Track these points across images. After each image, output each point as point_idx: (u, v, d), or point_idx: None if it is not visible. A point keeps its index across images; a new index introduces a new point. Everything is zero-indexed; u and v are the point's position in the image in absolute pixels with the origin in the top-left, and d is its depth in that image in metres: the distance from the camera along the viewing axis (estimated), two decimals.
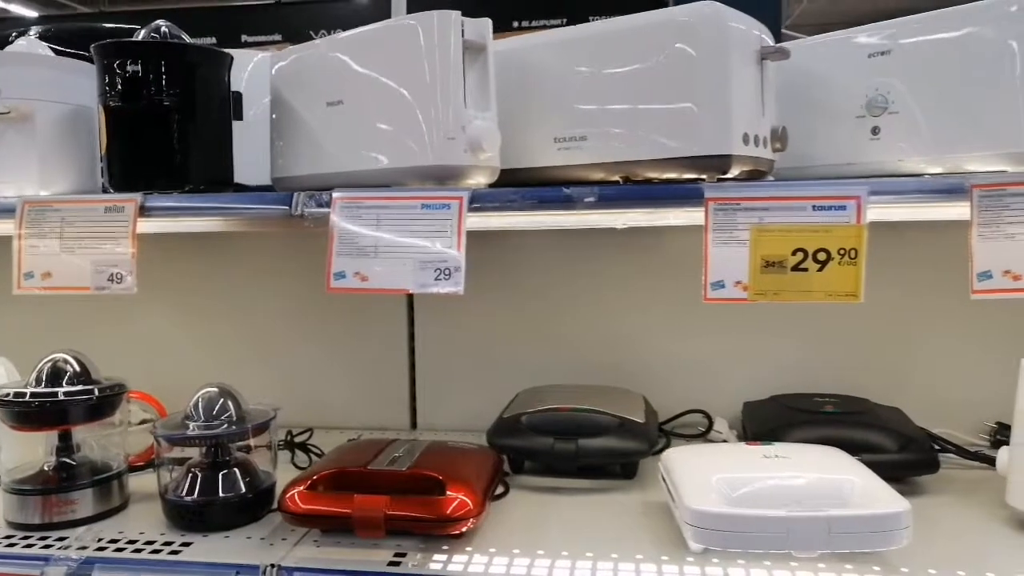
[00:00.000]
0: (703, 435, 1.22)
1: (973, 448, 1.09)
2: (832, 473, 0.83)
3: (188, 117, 0.97)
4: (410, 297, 1.34)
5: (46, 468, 0.97)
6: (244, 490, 0.94)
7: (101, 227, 0.93)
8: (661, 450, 0.97)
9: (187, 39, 1.04)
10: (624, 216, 1.01)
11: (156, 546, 0.88)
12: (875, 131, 0.90)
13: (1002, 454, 0.90)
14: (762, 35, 0.88)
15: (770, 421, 1.09)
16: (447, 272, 0.84)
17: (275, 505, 0.92)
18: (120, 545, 0.89)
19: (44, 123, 1.03)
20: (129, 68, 0.94)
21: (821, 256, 0.78)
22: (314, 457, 1.15)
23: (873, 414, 1.07)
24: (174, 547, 0.88)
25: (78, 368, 0.98)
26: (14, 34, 1.43)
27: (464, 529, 0.84)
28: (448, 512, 0.83)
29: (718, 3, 0.84)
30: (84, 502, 0.95)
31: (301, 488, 0.87)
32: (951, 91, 0.85)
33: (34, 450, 0.99)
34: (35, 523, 0.93)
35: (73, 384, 0.96)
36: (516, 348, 1.31)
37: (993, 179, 0.75)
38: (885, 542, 0.76)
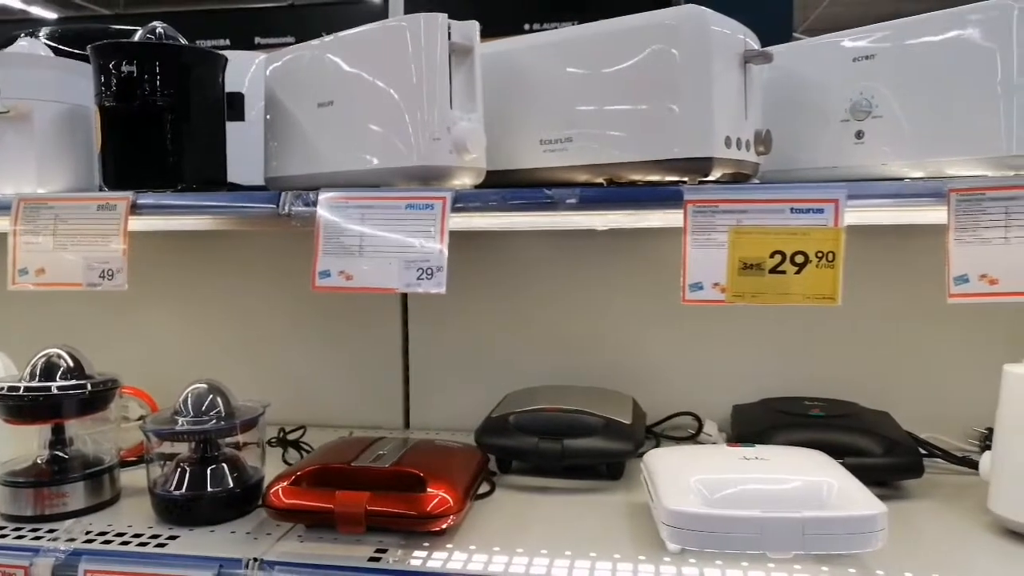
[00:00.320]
0: (693, 437, 1.23)
1: (961, 453, 1.09)
2: (810, 475, 0.83)
3: (182, 117, 0.99)
4: (404, 296, 1.35)
5: (39, 461, 0.99)
6: (231, 485, 0.95)
7: (94, 224, 0.95)
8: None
9: (183, 40, 1.05)
10: (605, 218, 1.02)
11: (143, 539, 0.89)
12: (859, 135, 0.90)
13: (984, 459, 0.90)
14: (746, 39, 0.88)
15: (757, 424, 1.10)
16: (430, 272, 0.85)
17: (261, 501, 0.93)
18: (108, 538, 0.90)
19: (42, 122, 1.05)
20: (124, 69, 0.96)
21: (799, 259, 0.78)
22: (305, 454, 1.16)
23: (860, 418, 1.08)
24: (160, 540, 0.89)
25: (71, 363, 0.99)
26: (22, 35, 1.46)
27: (444, 526, 0.85)
28: (428, 509, 0.84)
29: (701, 7, 0.85)
30: (75, 495, 0.96)
31: (285, 484, 0.88)
32: (933, 96, 0.85)
33: (28, 444, 1.01)
34: (27, 515, 0.95)
35: (66, 379, 0.98)
36: (509, 348, 1.32)
37: (970, 183, 0.76)
38: (860, 544, 0.76)
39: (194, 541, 0.89)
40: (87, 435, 1.03)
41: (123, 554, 0.86)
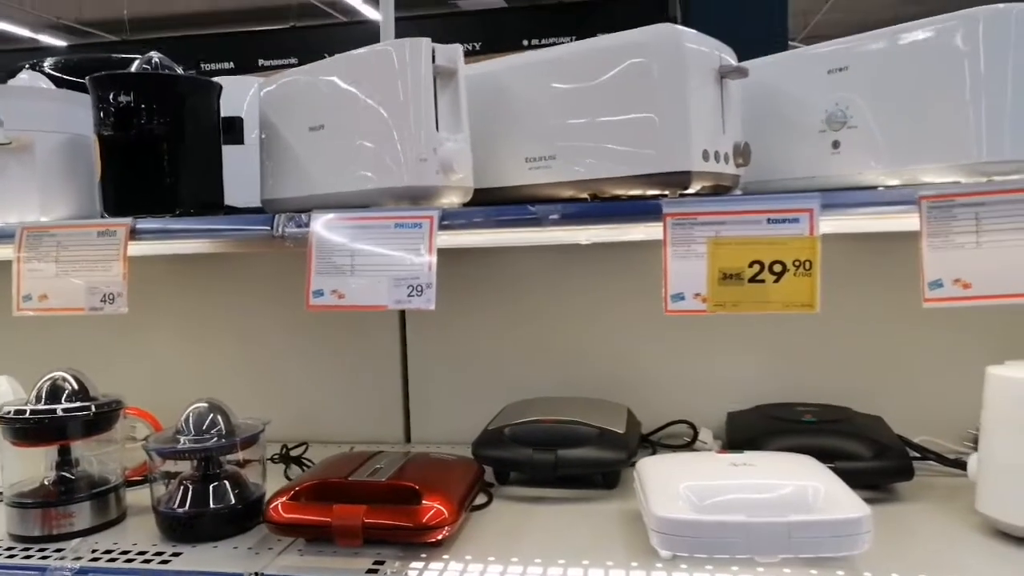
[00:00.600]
0: (689, 445, 1.24)
1: (954, 455, 1.10)
2: (796, 480, 0.85)
3: (178, 144, 1.02)
4: (402, 313, 1.37)
5: (46, 482, 1.01)
6: (233, 502, 0.97)
7: (94, 250, 0.98)
8: None
9: (179, 70, 1.09)
10: (588, 232, 1.04)
11: (148, 556, 0.92)
12: (836, 145, 0.92)
13: (971, 461, 0.91)
14: (722, 55, 0.91)
15: (751, 430, 1.11)
16: (419, 289, 0.88)
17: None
18: (113, 556, 0.92)
19: (44, 152, 1.08)
20: (121, 99, 0.99)
21: (777, 268, 0.80)
22: (307, 470, 1.18)
23: (851, 423, 1.09)
24: (165, 557, 0.91)
25: (76, 386, 1.02)
26: (25, 66, 1.51)
27: (440, 537, 0.87)
28: (424, 520, 0.86)
29: (676, 25, 0.87)
30: (82, 515, 0.99)
31: (284, 499, 0.90)
32: (906, 105, 0.87)
33: (35, 465, 1.04)
34: (35, 535, 0.97)
35: (71, 401, 1.00)
36: (507, 362, 1.34)
37: (940, 191, 0.77)
38: (845, 547, 0.77)
39: (197, 557, 0.91)
40: (93, 456, 1.05)
41: (129, 571, 0.88)
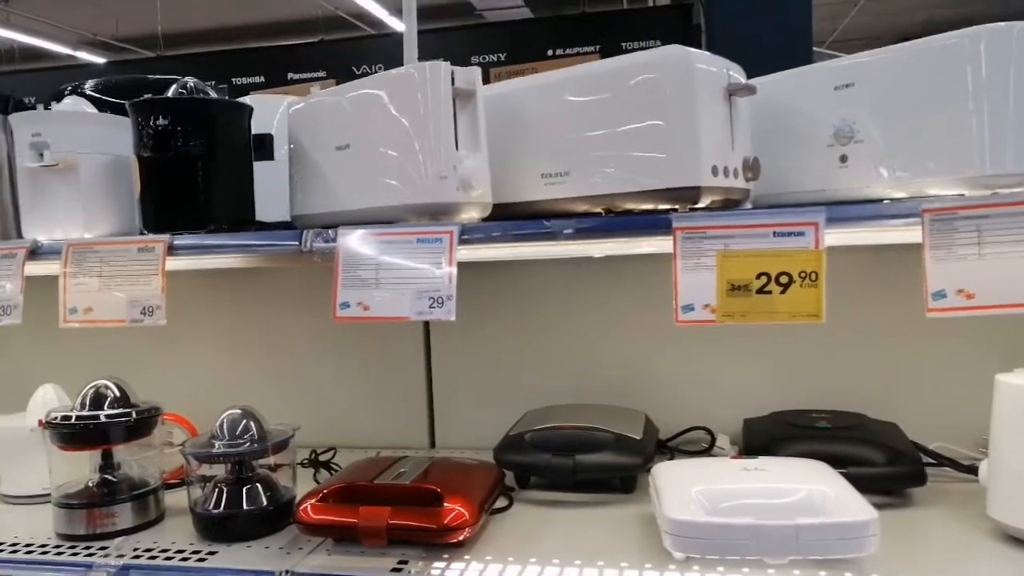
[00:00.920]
0: (707, 451, 1.27)
1: (969, 461, 1.11)
2: (806, 484, 0.87)
3: (212, 164, 1.08)
4: (427, 324, 1.42)
5: (90, 484, 1.07)
6: (265, 503, 1.02)
7: (135, 265, 1.04)
8: None
9: (212, 93, 1.14)
10: (602, 246, 1.07)
11: (185, 554, 0.97)
12: (843, 159, 0.95)
13: (983, 467, 0.93)
14: (730, 73, 0.94)
15: (766, 436, 1.13)
16: (440, 301, 0.92)
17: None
18: (154, 553, 0.98)
19: (87, 173, 1.14)
20: (159, 122, 1.05)
21: (783, 279, 0.83)
22: (335, 474, 1.23)
23: (865, 429, 1.11)
24: (201, 555, 0.96)
25: (118, 393, 1.08)
26: (67, 89, 1.58)
27: (461, 537, 0.91)
28: (446, 522, 0.90)
29: (685, 47, 0.91)
30: (123, 515, 1.04)
31: (313, 501, 0.95)
32: (911, 120, 0.89)
33: (80, 468, 1.10)
34: (80, 534, 1.03)
35: (114, 408, 1.06)
36: (528, 370, 1.38)
37: (942, 204, 0.80)
38: (852, 549, 0.80)
39: (232, 556, 0.96)
40: (133, 460, 1.11)
41: (168, 568, 0.94)
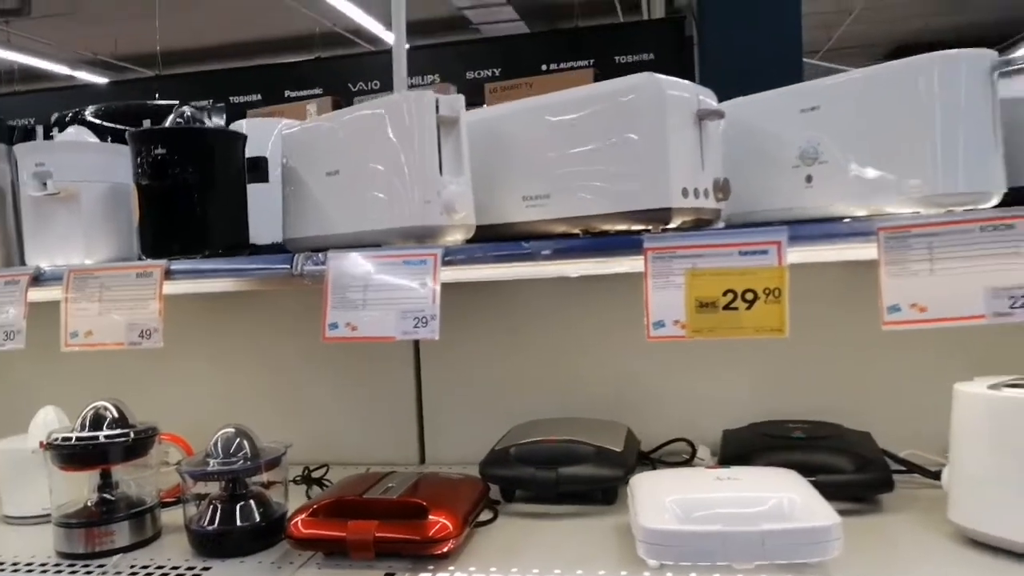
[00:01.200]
0: (688, 462, 1.30)
1: (937, 468, 1.15)
2: (774, 492, 0.91)
3: (207, 191, 1.12)
4: (416, 343, 1.46)
5: (88, 504, 1.11)
6: (258, 519, 1.06)
7: (133, 290, 1.08)
8: None
9: (209, 118, 1.19)
10: (577, 266, 1.12)
11: (181, 571, 1.00)
12: (809, 179, 0.99)
13: (944, 473, 0.97)
14: (700, 98, 0.99)
15: (744, 447, 1.17)
16: (424, 320, 0.96)
17: None
18: (150, 570, 1.01)
19: (88, 201, 1.18)
20: (156, 152, 1.10)
21: (749, 296, 0.87)
22: (325, 490, 1.27)
23: (838, 439, 1.15)
24: (196, 571, 1.00)
25: (116, 414, 1.12)
26: (67, 116, 1.64)
27: (446, 549, 0.94)
28: (431, 534, 0.94)
29: (656, 74, 0.95)
30: (121, 533, 1.08)
31: (303, 516, 0.99)
32: (871, 142, 0.94)
33: (79, 488, 1.13)
34: (79, 552, 1.06)
35: (112, 428, 1.10)
36: (516, 387, 1.42)
37: (896, 222, 0.84)
38: (815, 553, 0.83)
39: (226, 571, 0.99)
40: (131, 479, 1.15)
41: None
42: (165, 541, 1.12)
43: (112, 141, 1.39)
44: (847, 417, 1.24)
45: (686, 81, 0.98)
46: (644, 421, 1.33)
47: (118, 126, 1.59)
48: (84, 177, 1.20)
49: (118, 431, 1.10)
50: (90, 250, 1.19)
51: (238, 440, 1.07)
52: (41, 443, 1.10)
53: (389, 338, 0.98)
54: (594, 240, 0.96)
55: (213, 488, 1.08)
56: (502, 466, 1.15)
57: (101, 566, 1.03)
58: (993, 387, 0.93)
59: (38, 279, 1.14)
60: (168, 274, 1.09)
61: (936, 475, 1.12)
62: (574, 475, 1.10)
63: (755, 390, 1.34)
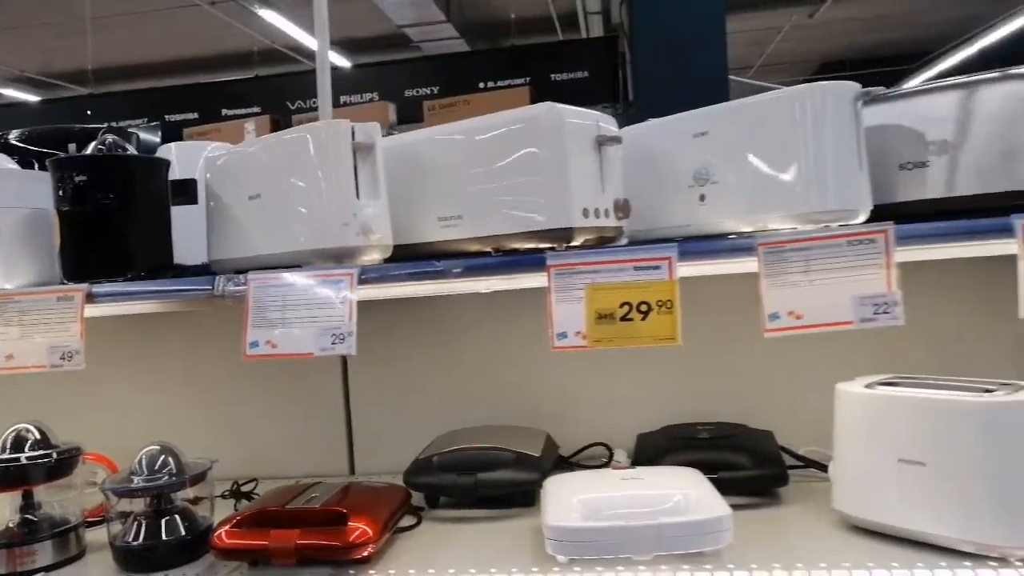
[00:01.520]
0: (605, 465, 1.37)
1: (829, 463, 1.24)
2: (673, 489, 0.98)
3: (129, 216, 1.15)
4: (344, 358, 1.49)
5: (11, 525, 1.11)
6: (183, 533, 1.08)
7: (54, 313, 1.10)
8: None
9: (131, 149, 1.21)
10: (488, 282, 1.18)
11: None
12: (702, 198, 1.08)
13: (831, 466, 1.05)
14: (600, 124, 1.06)
15: (654, 449, 1.25)
16: (342, 337, 1.00)
17: None
18: None
19: (8, 225, 1.19)
20: (77, 179, 1.12)
21: (643, 307, 0.94)
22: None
23: (741, 438, 1.23)
24: None
25: (39, 436, 1.13)
26: None
27: (366, 553, 0.98)
28: (351, 539, 0.98)
29: (557, 104, 1.02)
30: (44, 553, 1.09)
31: (227, 527, 1.02)
32: (754, 164, 1.02)
33: (2, 510, 1.13)
34: (1, 573, 1.07)
35: (34, 450, 1.11)
36: (442, 398, 1.47)
37: (774, 238, 0.92)
38: (708, 542, 0.91)
39: None
40: (55, 500, 1.16)
41: None
42: (90, 559, 1.13)
43: (38, 165, 1.40)
44: (754, 417, 1.32)
45: (585, 109, 1.06)
46: (565, 427, 1.39)
47: (44, 150, 1.60)
48: (3, 203, 1.21)
49: (40, 452, 1.11)
50: (9, 275, 1.20)
51: (163, 457, 1.09)
52: None
53: (308, 355, 1.02)
54: (502, 258, 1.03)
55: (139, 505, 1.10)
56: (425, 474, 1.20)
57: None
58: (869, 386, 1.01)
59: None
60: (90, 297, 1.11)
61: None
62: (492, 480, 1.16)
63: (669, 395, 1.41)
